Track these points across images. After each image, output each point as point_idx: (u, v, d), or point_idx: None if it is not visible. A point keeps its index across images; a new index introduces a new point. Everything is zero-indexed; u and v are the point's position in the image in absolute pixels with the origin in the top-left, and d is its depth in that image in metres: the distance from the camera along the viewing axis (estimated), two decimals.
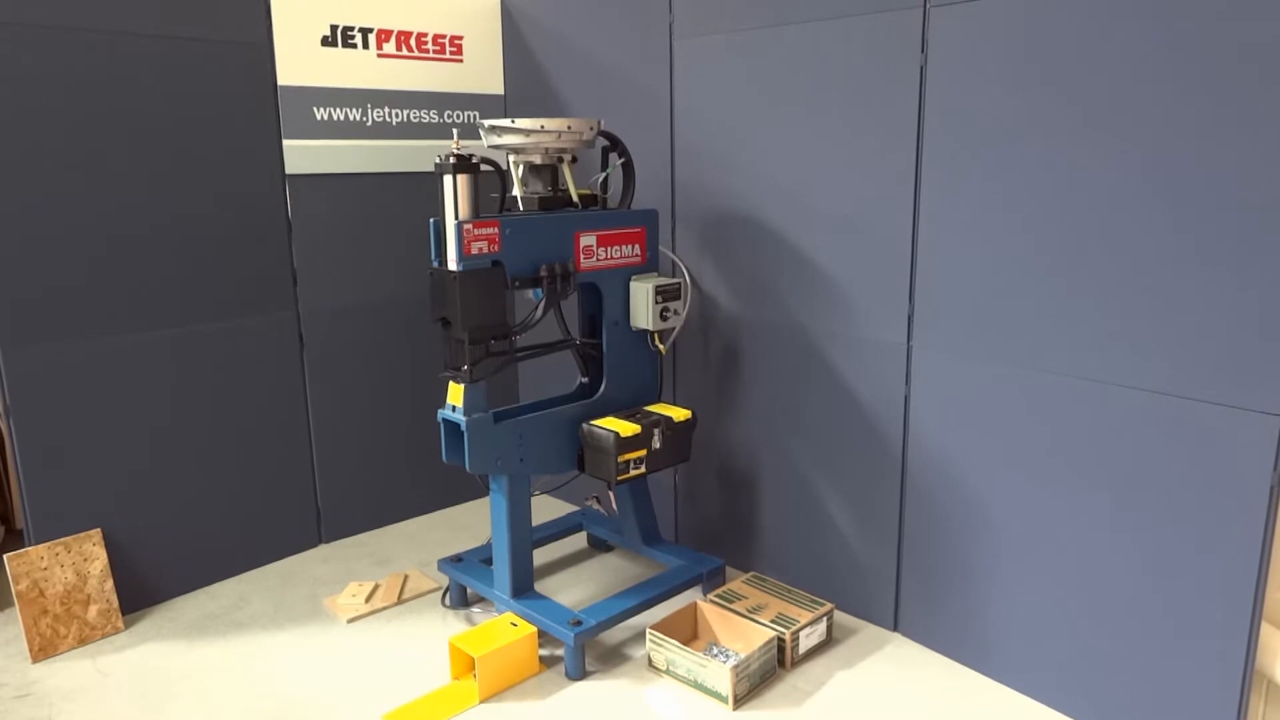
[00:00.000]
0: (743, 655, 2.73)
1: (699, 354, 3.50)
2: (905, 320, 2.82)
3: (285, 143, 3.45)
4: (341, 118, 3.58)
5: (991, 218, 2.57)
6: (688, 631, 2.99)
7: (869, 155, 2.82)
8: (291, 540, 3.71)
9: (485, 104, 4.02)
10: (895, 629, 3.08)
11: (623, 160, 3.14)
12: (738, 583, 3.19)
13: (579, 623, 2.83)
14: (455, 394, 2.82)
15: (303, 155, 3.50)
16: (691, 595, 3.28)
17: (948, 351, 2.74)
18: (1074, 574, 2.54)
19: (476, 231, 2.70)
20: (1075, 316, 2.43)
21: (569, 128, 2.90)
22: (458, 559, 3.28)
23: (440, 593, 3.35)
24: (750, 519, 3.44)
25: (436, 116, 3.86)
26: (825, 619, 2.98)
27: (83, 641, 3.05)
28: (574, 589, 3.41)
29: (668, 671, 2.82)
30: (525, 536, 3.04)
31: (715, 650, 2.92)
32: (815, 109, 2.94)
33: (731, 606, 3.01)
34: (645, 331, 3.14)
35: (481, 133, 2.96)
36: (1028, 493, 2.62)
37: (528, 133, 2.87)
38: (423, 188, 3.86)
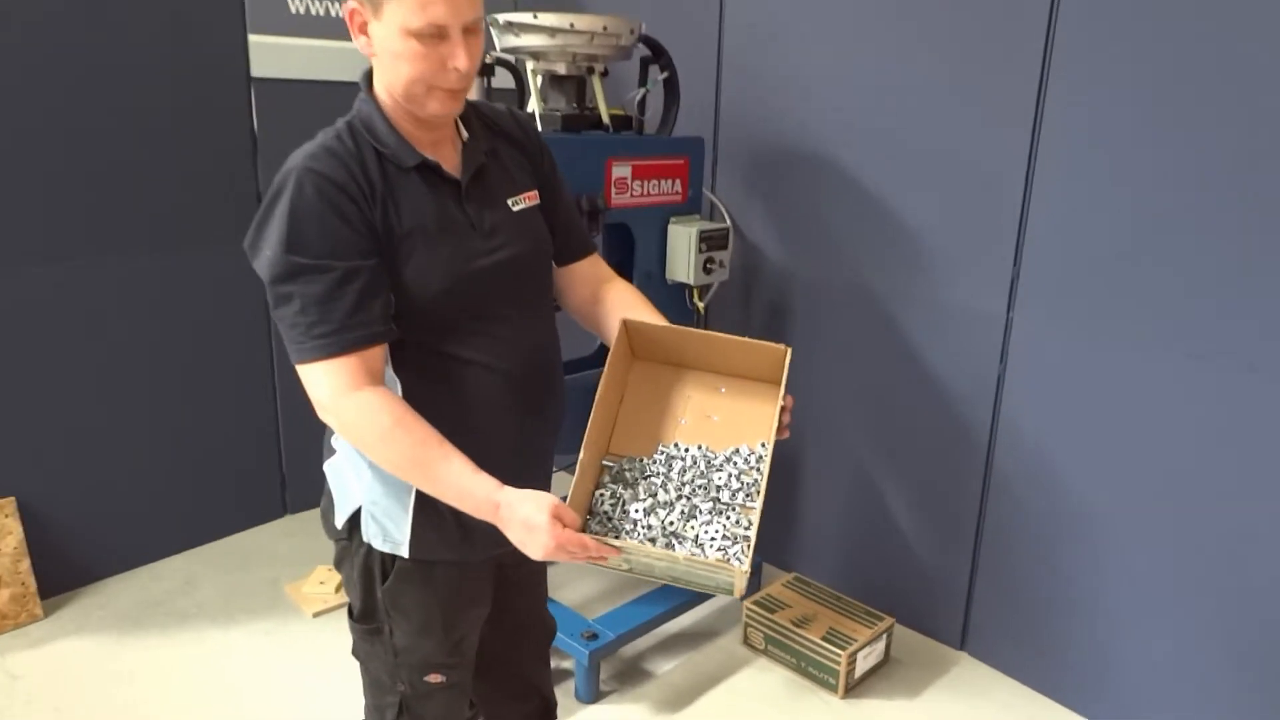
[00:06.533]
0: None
1: (738, 313, 2.98)
2: (1007, 285, 2.32)
3: (251, 39, 2.87)
4: (321, 11, 3.00)
5: (1133, 163, 2.05)
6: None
7: (977, 80, 2.29)
8: (250, 511, 3.21)
9: None
10: (962, 648, 2.63)
11: (665, 75, 2.58)
12: (778, 586, 2.71)
13: (594, 636, 2.35)
14: None
15: (272, 55, 2.93)
16: (722, 599, 2.82)
17: (1058, 326, 2.25)
18: (1196, 596, 2.09)
19: None
20: (1232, 292, 1.94)
21: (604, 28, 2.33)
22: None
23: None
24: (793, 511, 2.96)
25: None
26: (885, 635, 2.52)
27: None
28: (579, 583, 2.91)
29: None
30: None
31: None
32: (909, 21, 2.40)
33: (773, 617, 2.54)
34: (683, 286, 2.61)
35: (494, 31, 2.39)
36: (1143, 502, 2.16)
37: (553, 32, 2.31)
38: None
